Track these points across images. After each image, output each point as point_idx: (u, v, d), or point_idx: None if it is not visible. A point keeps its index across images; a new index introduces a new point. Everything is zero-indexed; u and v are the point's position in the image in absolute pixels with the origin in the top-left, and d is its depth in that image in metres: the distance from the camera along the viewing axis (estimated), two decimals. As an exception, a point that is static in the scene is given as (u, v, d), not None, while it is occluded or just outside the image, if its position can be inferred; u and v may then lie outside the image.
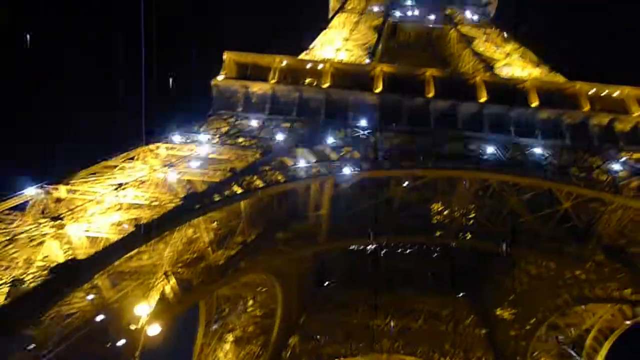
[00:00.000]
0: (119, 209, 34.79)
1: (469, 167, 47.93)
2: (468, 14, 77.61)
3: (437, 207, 62.71)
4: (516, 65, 64.93)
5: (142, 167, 40.18)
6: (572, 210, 54.13)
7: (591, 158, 49.57)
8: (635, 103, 54.62)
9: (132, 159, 41.42)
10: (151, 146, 43.23)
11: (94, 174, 38.27)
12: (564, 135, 52.31)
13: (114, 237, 31.80)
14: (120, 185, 36.16)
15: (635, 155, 50.69)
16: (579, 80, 56.59)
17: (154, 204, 35.34)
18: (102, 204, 34.74)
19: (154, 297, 35.40)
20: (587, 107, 54.04)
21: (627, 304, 56.14)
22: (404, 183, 55.91)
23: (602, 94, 55.79)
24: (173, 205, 35.20)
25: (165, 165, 40.07)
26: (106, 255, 29.99)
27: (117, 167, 39.83)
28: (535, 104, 53.90)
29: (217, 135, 46.47)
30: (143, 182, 37.47)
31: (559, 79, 60.96)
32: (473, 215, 60.26)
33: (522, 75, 61.27)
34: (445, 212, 61.57)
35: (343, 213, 55.75)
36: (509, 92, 55.56)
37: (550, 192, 53.56)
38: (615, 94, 55.74)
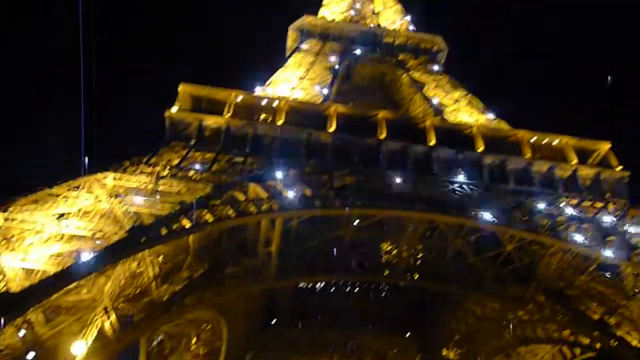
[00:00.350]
0: (60, 239, 33.47)
1: (414, 208, 49.02)
2: (420, 60, 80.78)
3: (386, 246, 63.44)
4: (464, 111, 67.77)
5: (88, 196, 38.92)
6: (514, 253, 55.89)
7: (532, 203, 51.75)
8: (572, 151, 57.97)
9: (77, 187, 40.06)
10: (98, 175, 41.97)
11: (36, 201, 36.76)
12: (507, 180, 54.62)
13: (52, 270, 30.44)
14: (62, 214, 34.86)
15: (573, 201, 53.41)
16: (522, 129, 59.64)
17: (97, 235, 34.21)
18: (42, 234, 33.32)
19: (92, 333, 33.75)
20: (528, 154, 56.86)
21: (566, 344, 57.79)
22: (354, 221, 56.33)
23: (543, 142, 58.93)
24: (117, 237, 34.15)
25: (111, 196, 38.98)
26: (42, 289, 28.54)
27: (61, 196, 38.39)
28: (481, 149, 56.22)
29: (168, 167, 45.74)
30: (87, 213, 36.30)
31: (503, 126, 63.98)
32: (420, 255, 61.22)
33: (469, 121, 63.92)
34: (394, 252, 62.29)
35: (293, 249, 55.43)
36: (456, 136, 57.83)
37: (494, 234, 55.25)
38: (554, 143, 58.99)
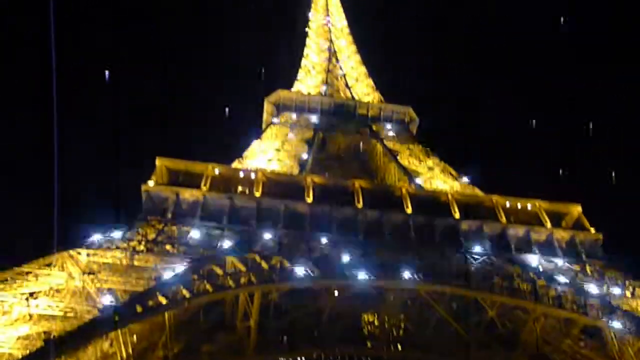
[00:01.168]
0: (29, 320, 31.94)
1: (396, 277, 48.60)
2: (393, 130, 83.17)
3: (367, 317, 62.16)
4: (438, 178, 69.12)
5: (59, 274, 37.71)
6: (497, 319, 55.36)
7: (511, 267, 51.97)
8: (546, 215, 59.08)
9: (49, 265, 38.81)
10: (71, 251, 40.85)
11: (4, 280, 35.38)
12: (485, 245, 55.01)
13: (19, 353, 28.84)
14: (32, 293, 33.49)
15: (552, 264, 53.84)
16: (495, 194, 60.89)
17: (68, 315, 32.88)
18: (10, 315, 31.83)
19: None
20: (504, 219, 57.71)
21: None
22: (334, 292, 55.47)
23: (517, 207, 60.05)
24: (90, 316, 32.85)
25: (85, 273, 37.84)
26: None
27: (31, 274, 37.07)
28: (457, 215, 56.92)
29: (144, 242, 44.93)
30: (58, 291, 34.99)
31: (477, 192, 65.24)
32: (403, 325, 60.07)
33: (444, 188, 65.10)
34: (376, 323, 61.02)
35: (273, 324, 53.93)
36: (432, 204, 58.63)
37: (476, 300, 54.85)
38: (528, 207, 60.17)
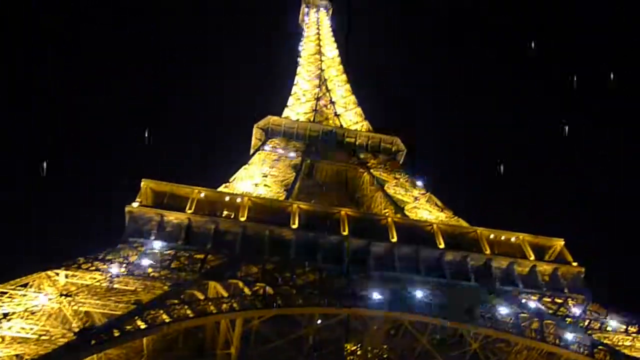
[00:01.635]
0: (1, 342, 31.01)
1: (378, 307, 48.15)
2: (380, 159, 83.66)
3: (350, 347, 61.29)
4: (423, 208, 69.37)
5: (36, 295, 36.83)
6: (480, 351, 54.90)
7: (494, 299, 51.85)
8: (530, 248, 59.41)
9: (25, 285, 37.92)
10: (50, 272, 40.03)
11: (-22, 301, 34.47)
12: (468, 277, 54.93)
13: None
14: (5, 315, 32.61)
15: (534, 297, 53.85)
16: (480, 226, 61.19)
17: (42, 338, 31.98)
18: (-19, 337, 30.89)
19: None
20: (488, 251, 57.87)
21: None
22: (317, 320, 54.74)
23: (501, 239, 60.35)
24: (65, 340, 31.96)
25: (62, 295, 36.97)
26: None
27: (6, 295, 36.19)
28: (441, 245, 56.96)
29: (125, 264, 44.17)
30: (34, 313, 34.07)
31: (462, 223, 65.48)
32: (386, 356, 59.29)
33: (429, 219, 65.26)
34: (359, 352, 60.16)
35: (254, 352, 52.90)
36: (417, 233, 58.65)
37: (460, 332, 54.43)
38: (512, 239, 60.49)
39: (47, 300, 35.81)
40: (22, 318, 33.06)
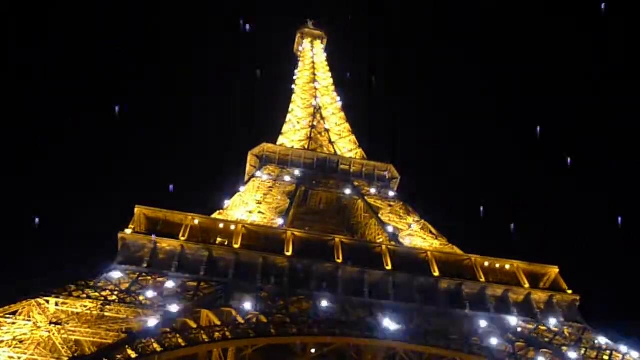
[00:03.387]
0: (-13, 372, 30.37)
1: (373, 335, 47.62)
2: (374, 186, 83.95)
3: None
4: (417, 235, 69.30)
5: (25, 323, 36.22)
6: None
7: (489, 328, 51.48)
8: (524, 275, 59.27)
9: (14, 313, 37.31)
10: (40, 300, 39.42)
11: (-36, 330, 33.83)
12: (464, 304, 54.58)
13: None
14: (-7, 344, 32.02)
15: (530, 326, 53.51)
16: (474, 254, 61.12)
17: (30, 367, 31.30)
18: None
19: None
20: (483, 278, 57.67)
21: None
22: (311, 349, 54.01)
23: (495, 267, 60.24)
24: (53, 369, 31.36)
25: (51, 323, 36.36)
26: None
27: (-6, 323, 35.60)
28: (436, 273, 56.74)
29: (117, 292, 43.62)
30: (22, 341, 33.45)
31: (457, 250, 65.37)
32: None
33: (424, 246, 65.14)
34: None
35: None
36: (412, 261, 58.48)
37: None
38: (507, 267, 60.39)
39: (37, 329, 35.17)
40: (10, 347, 32.44)
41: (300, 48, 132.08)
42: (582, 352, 50.37)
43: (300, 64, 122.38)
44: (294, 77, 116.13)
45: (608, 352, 51.43)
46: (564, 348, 50.31)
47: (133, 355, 36.13)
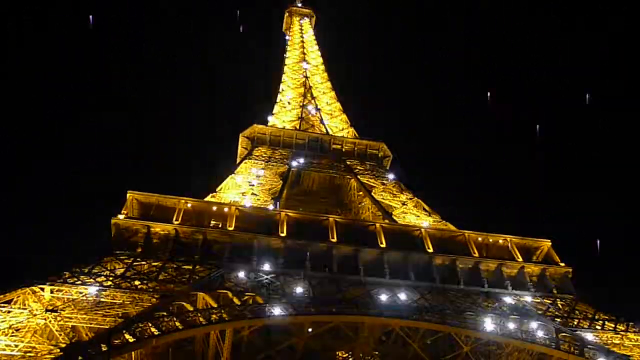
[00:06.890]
0: (-16, 361, 30.39)
1: (369, 313, 48.00)
2: (367, 165, 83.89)
3: (341, 354, 61.07)
4: (411, 213, 69.53)
5: (20, 311, 36.18)
6: (472, 354, 54.94)
7: (484, 301, 52.09)
8: (517, 250, 59.81)
9: (9, 302, 37.22)
10: (35, 287, 39.33)
11: (-40, 319, 33.74)
12: (458, 280, 55.09)
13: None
14: (-11, 333, 31.98)
15: (523, 299, 54.15)
16: (467, 229, 61.47)
17: (28, 355, 31.39)
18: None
19: None
20: (476, 253, 58.15)
21: None
22: (307, 329, 54.43)
23: (489, 242, 60.69)
24: (51, 356, 31.42)
25: (47, 310, 36.33)
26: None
27: (-11, 312, 35.51)
28: (430, 250, 57.09)
29: (112, 277, 43.58)
30: (18, 329, 33.41)
31: (450, 227, 65.71)
32: (377, 362, 59.14)
33: (417, 223, 65.41)
34: (350, 359, 59.93)
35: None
36: (406, 238, 58.76)
37: (450, 336, 54.44)
38: (500, 242, 60.86)
39: (33, 317, 35.13)
40: (6, 335, 32.41)
41: (289, 27, 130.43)
42: (576, 322, 51.13)
43: (289, 43, 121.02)
44: (284, 57, 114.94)
45: (600, 322, 52.22)
46: (558, 319, 51.02)
47: (131, 339, 36.20)
